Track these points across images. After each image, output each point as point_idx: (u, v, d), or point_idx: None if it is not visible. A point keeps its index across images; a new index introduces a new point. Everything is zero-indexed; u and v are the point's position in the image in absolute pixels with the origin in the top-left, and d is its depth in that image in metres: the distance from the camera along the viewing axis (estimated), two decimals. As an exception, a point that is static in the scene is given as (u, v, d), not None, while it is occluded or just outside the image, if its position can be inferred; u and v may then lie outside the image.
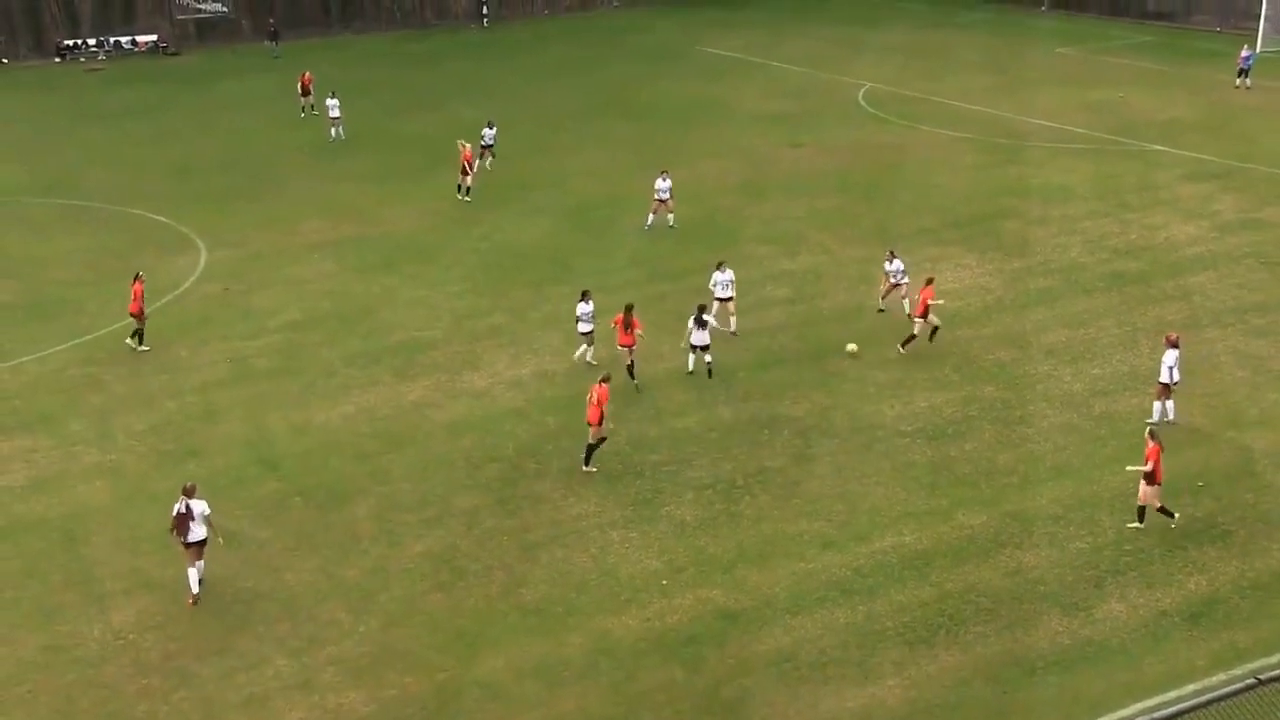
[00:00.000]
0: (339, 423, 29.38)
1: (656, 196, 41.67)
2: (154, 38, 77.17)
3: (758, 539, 24.36)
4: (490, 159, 49.39)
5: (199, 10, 78.68)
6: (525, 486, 26.39)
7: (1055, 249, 39.94)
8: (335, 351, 33.30)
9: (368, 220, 44.11)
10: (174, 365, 32.61)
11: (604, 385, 26.75)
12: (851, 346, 32.20)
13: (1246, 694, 13.93)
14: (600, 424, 26.68)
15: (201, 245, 41.50)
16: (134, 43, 76.76)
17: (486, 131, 49.63)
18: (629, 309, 30.65)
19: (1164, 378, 28.19)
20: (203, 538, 22.63)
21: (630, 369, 30.69)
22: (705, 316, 30.81)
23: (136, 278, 33.67)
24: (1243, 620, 21.73)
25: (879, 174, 48.56)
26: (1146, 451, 24.04)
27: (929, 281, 32.55)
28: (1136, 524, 24.35)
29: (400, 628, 21.91)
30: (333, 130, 55.08)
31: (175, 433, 29.00)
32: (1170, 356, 28.01)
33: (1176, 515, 24.38)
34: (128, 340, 33.62)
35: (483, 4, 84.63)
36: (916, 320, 32.40)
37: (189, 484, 23.03)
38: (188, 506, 22.50)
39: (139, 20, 77.44)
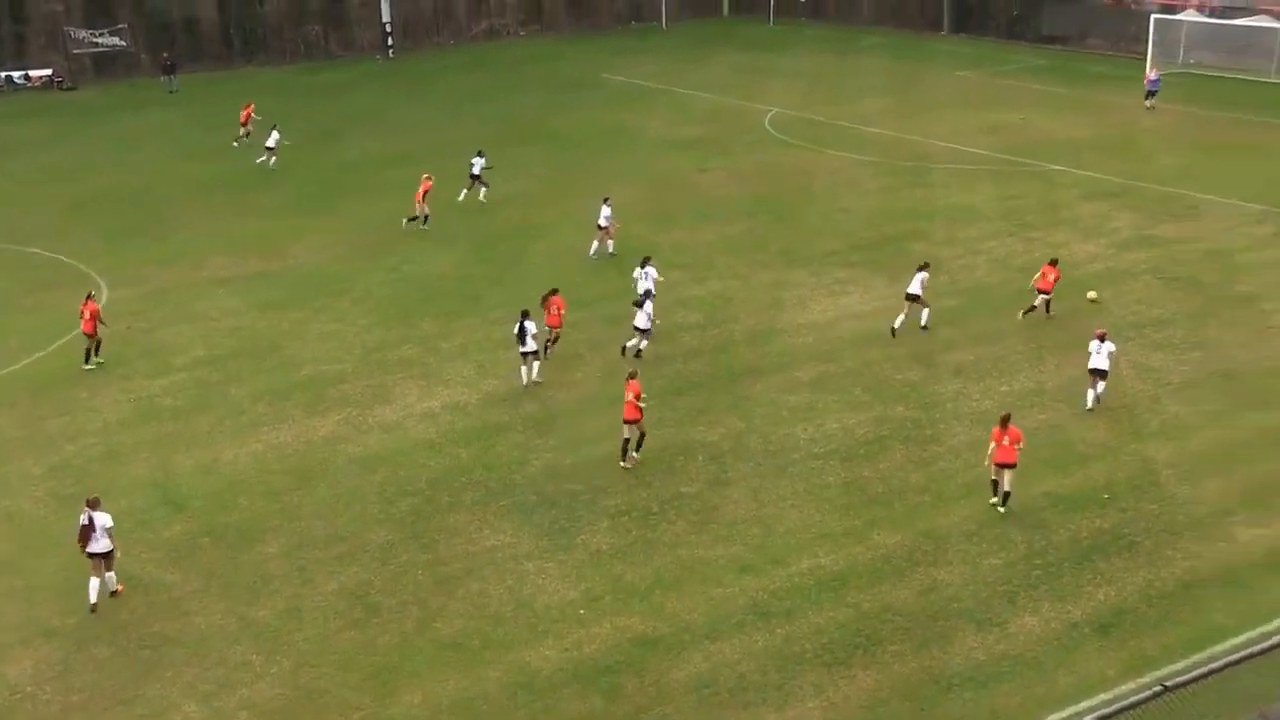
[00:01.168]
0: (248, 461, 28.99)
1: (599, 223, 41.86)
2: (48, 72, 75.86)
3: (674, 565, 24.36)
4: (483, 189, 48.74)
5: (95, 44, 77.49)
6: (439, 520, 26.19)
7: (962, 269, 40.50)
8: (243, 389, 32.88)
9: (275, 254, 43.67)
10: (74, 406, 32.00)
11: (633, 380, 27.79)
12: (1092, 294, 36.27)
13: (1154, 701, 14.17)
14: (640, 419, 27.67)
15: (102, 283, 40.82)
16: (27, 78, 75.36)
17: (476, 160, 49.06)
18: (553, 292, 33.18)
19: (1099, 365, 30.02)
20: (107, 549, 23.00)
21: (547, 347, 33.15)
22: (648, 301, 33.27)
23: (88, 297, 34.45)
24: (1150, 628, 22.09)
25: (787, 198, 48.98)
26: (1010, 434, 25.42)
27: (1054, 262, 35.88)
28: (999, 504, 25.79)
29: (314, 667, 21.61)
30: (269, 159, 55.07)
31: (75, 476, 28.41)
32: (1105, 347, 29.99)
33: (998, 501, 25.86)
34: (85, 366, 34.21)
35: (387, 35, 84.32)
36: (1040, 295, 35.54)
37: (92, 496, 23.44)
38: (90, 518, 22.82)
39: (32, 55, 76.13)
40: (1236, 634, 21.55)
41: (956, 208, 47.14)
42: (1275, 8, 72.94)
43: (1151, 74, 65.13)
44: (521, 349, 32.02)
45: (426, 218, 45.75)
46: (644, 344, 33.80)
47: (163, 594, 23.79)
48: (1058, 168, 52.32)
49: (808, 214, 46.88)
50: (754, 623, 22.51)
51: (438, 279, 40.88)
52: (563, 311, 33.51)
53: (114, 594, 23.50)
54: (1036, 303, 35.71)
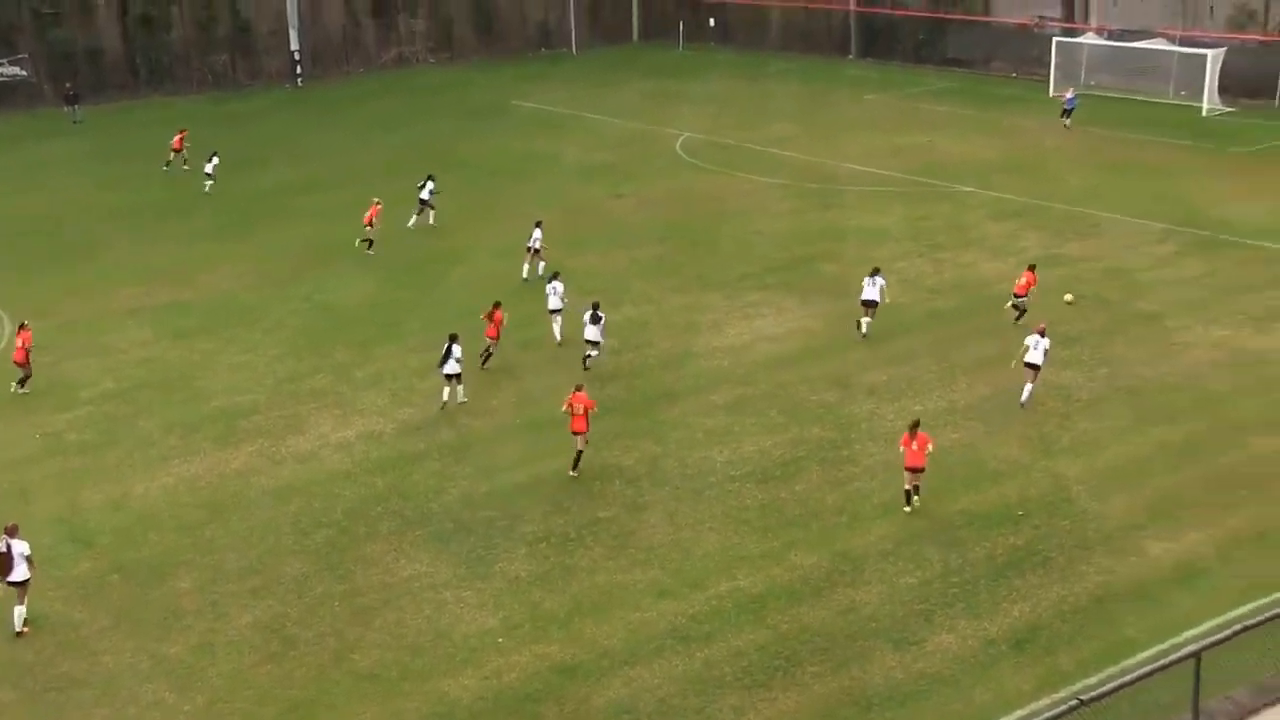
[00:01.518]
0: (158, 495, 28.50)
1: (529, 246, 42.05)
2: (-52, 104, 74.44)
3: (593, 591, 24.27)
4: (431, 213, 48.74)
5: (-4, 75, 76.15)
6: (355, 550, 25.91)
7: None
8: (153, 421, 32.34)
9: (185, 284, 43.05)
10: (-20, 442, 31.31)
11: (580, 391, 28.58)
12: (1069, 297, 37.11)
13: (1070, 715, 14.33)
14: (587, 430, 28.43)
15: (4, 316, 40.01)
16: (-74, 110, 73.89)
17: (425, 185, 49.02)
18: (496, 305, 34.39)
19: (1035, 359, 31.46)
20: (25, 577, 22.88)
21: (486, 357, 34.42)
22: (599, 313, 34.15)
23: (21, 326, 34.35)
24: (1064, 643, 22.35)
25: (699, 222, 49.19)
26: (919, 439, 26.35)
27: (1032, 267, 37.34)
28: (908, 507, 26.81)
29: (228, 703, 21.24)
30: (206, 184, 55.15)
31: (-17, 513, 27.77)
32: (1043, 342, 31.52)
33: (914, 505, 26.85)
34: (15, 388, 34.12)
35: (296, 63, 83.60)
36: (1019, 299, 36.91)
37: (10, 524, 23.22)
38: (8, 545, 22.65)
39: (-69, 87, 74.71)
40: (1147, 647, 21.87)
41: (867, 229, 47.62)
42: (1172, 31, 74.62)
43: (1068, 93, 66.42)
44: (445, 371, 32.10)
45: (370, 242, 45.72)
46: (594, 355, 34.57)
47: (70, 633, 23.28)
48: (966, 188, 53.04)
49: (720, 237, 47.11)
50: (673, 647, 22.47)
51: (352, 307, 40.54)
52: (502, 325, 34.54)
53: (19, 634, 22.98)
54: (1014, 304, 36.98)
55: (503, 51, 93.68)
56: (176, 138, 59.54)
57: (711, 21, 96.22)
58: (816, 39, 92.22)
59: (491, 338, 34.54)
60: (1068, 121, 64.45)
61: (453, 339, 32.10)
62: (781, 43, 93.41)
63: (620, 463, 29.37)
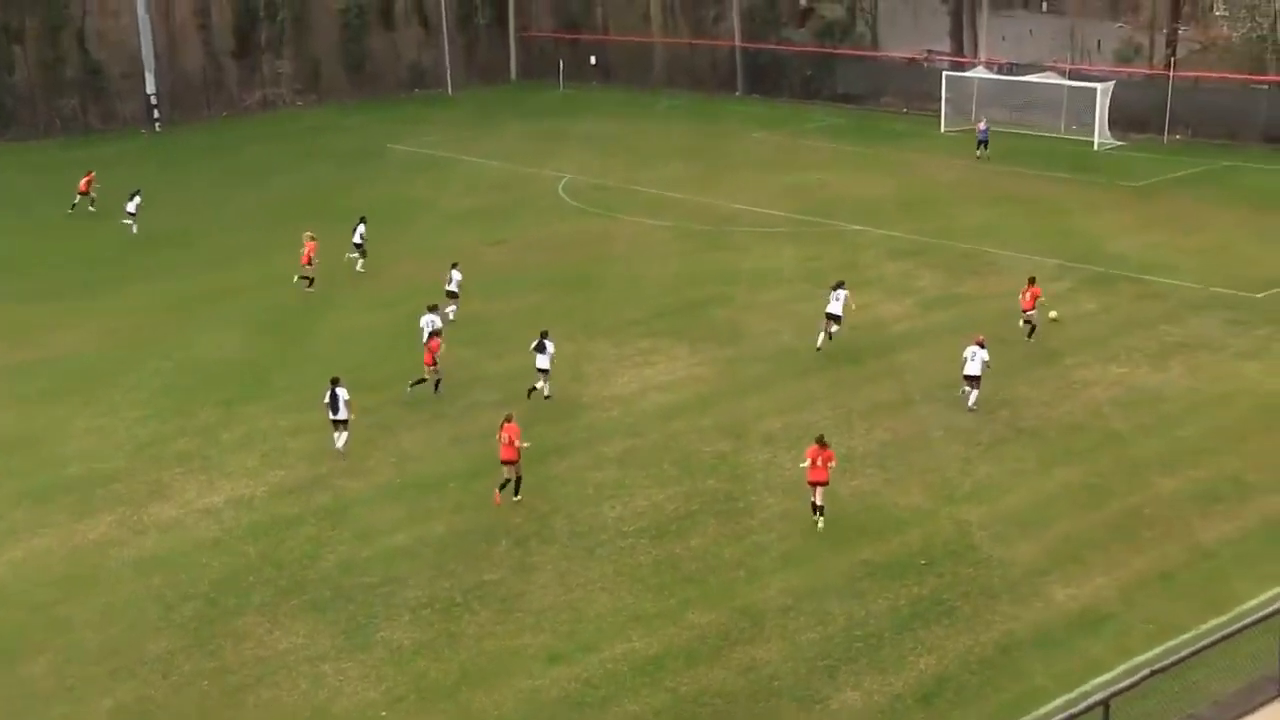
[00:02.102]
0: (6, 571, 27.65)
1: (448, 289, 42.51)
2: None
3: (481, 658, 24.00)
4: (360, 259, 48.76)
5: None
6: (225, 624, 25.35)
7: (766, 334, 41.18)
8: None
9: (33, 344, 42.02)
10: None
11: (511, 423, 29.63)
12: (1054, 314, 39.33)
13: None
14: (518, 460, 29.44)
15: None
16: None
17: (358, 228, 49.01)
18: (434, 334, 36.13)
19: (972, 371, 34.18)
20: None
21: (430, 382, 36.02)
22: (546, 341, 35.34)
23: None
24: (972, 696, 22.55)
25: (584, 267, 49.25)
26: (824, 454, 27.87)
27: (1032, 280, 39.60)
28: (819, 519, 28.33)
29: (89, 794, 20.60)
30: (131, 224, 55.17)
31: None
32: (981, 354, 34.24)
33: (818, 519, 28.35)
34: None
35: (153, 107, 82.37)
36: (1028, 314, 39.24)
37: None
38: None
39: None
40: (1056, 695, 22.16)
41: (759, 271, 48.02)
42: (1061, 65, 76.63)
43: (980, 124, 67.85)
44: (333, 417, 32.38)
45: (311, 280, 46.05)
46: (544, 384, 35.74)
47: (-86, 725, 22.48)
48: (858, 227, 53.76)
49: (606, 283, 47.20)
50: (567, 715, 22.27)
51: (218, 364, 39.88)
52: (437, 352, 35.89)
53: None
54: (1024, 320, 39.37)
55: (375, 93, 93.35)
56: (84, 180, 59.02)
57: (593, 59, 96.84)
58: (701, 75, 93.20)
59: (429, 365, 35.98)
60: (981, 152, 65.91)
61: (335, 383, 32.37)
62: (666, 79, 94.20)
63: (507, 521, 29.15)
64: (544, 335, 35.76)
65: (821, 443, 28.25)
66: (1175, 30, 78.66)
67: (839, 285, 39.32)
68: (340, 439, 32.70)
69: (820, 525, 28.28)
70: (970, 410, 34.31)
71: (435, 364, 36.08)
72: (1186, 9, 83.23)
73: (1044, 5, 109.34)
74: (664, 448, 32.95)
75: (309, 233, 47.26)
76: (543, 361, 35.64)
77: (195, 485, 31.54)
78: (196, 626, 25.30)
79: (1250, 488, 29.98)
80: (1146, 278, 45.74)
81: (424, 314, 38.05)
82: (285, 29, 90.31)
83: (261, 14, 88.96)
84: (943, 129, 74.62)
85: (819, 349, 38.77)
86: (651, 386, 37.17)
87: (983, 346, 34.51)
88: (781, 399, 35.91)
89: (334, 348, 40.48)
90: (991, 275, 46.67)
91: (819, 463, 28.07)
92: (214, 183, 66.15)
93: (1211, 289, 44.41)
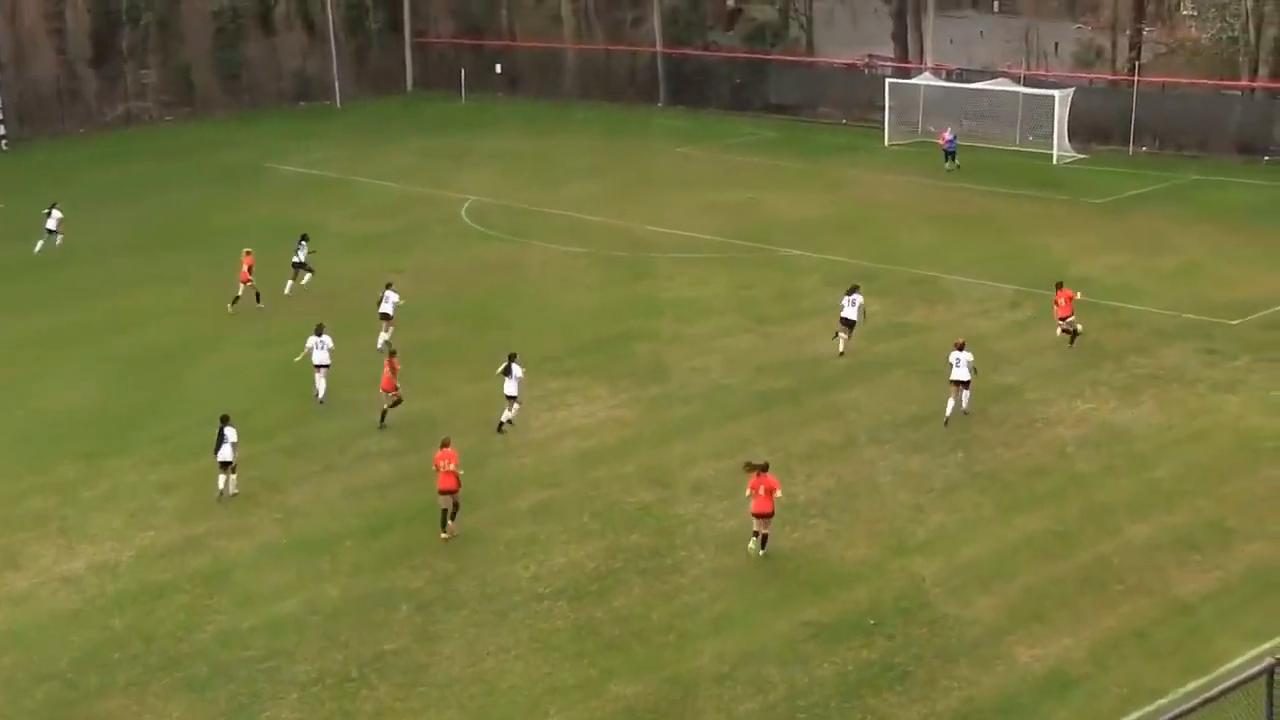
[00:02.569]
0: None
1: (381, 311, 43.32)
2: None
3: (380, 740, 23.84)
4: (307, 276, 49.60)
5: None
6: (86, 708, 24.99)
7: (694, 371, 41.37)
8: None
9: None
10: None
11: (448, 448, 30.70)
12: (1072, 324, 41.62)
13: None
14: (458, 489, 30.54)
15: None
16: None
17: (299, 246, 49.84)
18: (392, 353, 37.57)
19: (960, 376, 36.27)
20: None
21: (392, 406, 37.23)
22: (514, 365, 36.23)
23: None
24: (931, 771, 22.67)
25: (490, 298, 49.25)
26: (765, 482, 28.82)
27: (1060, 285, 42.14)
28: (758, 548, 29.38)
29: None
30: (54, 240, 56.11)
31: None
32: (964, 357, 36.26)
33: (756, 547, 29.40)
34: None
35: None
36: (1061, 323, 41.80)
37: None
38: None
39: None
40: (1022, 767, 22.32)
41: (685, 301, 48.26)
42: (1015, 70, 77.82)
43: (946, 133, 68.72)
44: (220, 458, 32.63)
45: (258, 295, 47.57)
46: (511, 415, 36.69)
47: None
48: (795, 251, 54.21)
49: (516, 316, 47.22)
50: (478, 802, 22.14)
51: (78, 412, 39.44)
52: (396, 372, 37.14)
53: None
54: (1064, 329, 41.76)
55: (254, 105, 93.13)
56: None
57: (498, 68, 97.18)
58: (618, 86, 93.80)
59: (386, 389, 37.23)
60: (950, 165, 66.83)
61: (225, 421, 32.73)
62: (580, 90, 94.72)
63: (407, 585, 29.00)
64: (511, 358, 36.58)
65: (763, 470, 29.04)
66: (1139, 31, 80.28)
67: (854, 289, 41.78)
68: (228, 481, 33.00)
69: (758, 551, 29.26)
70: (964, 413, 36.59)
71: (395, 387, 37.23)
72: (1151, 8, 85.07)
73: (996, 5, 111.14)
74: (583, 499, 32.95)
75: (247, 249, 48.23)
76: (510, 387, 36.47)
77: (52, 550, 31.10)
78: (53, 710, 24.92)
79: (1231, 534, 30.40)
80: (1112, 304, 46.47)
81: (310, 336, 39.08)
82: (150, 34, 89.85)
83: (123, 17, 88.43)
84: (886, 142, 75.62)
85: (842, 354, 41.55)
86: (568, 431, 37.19)
87: (963, 349, 36.59)
88: (712, 443, 36.05)
89: (212, 391, 40.14)
90: (941, 303, 47.20)
91: (762, 492, 28.89)
92: (72, 207, 65.24)
93: (1184, 316, 45.21)
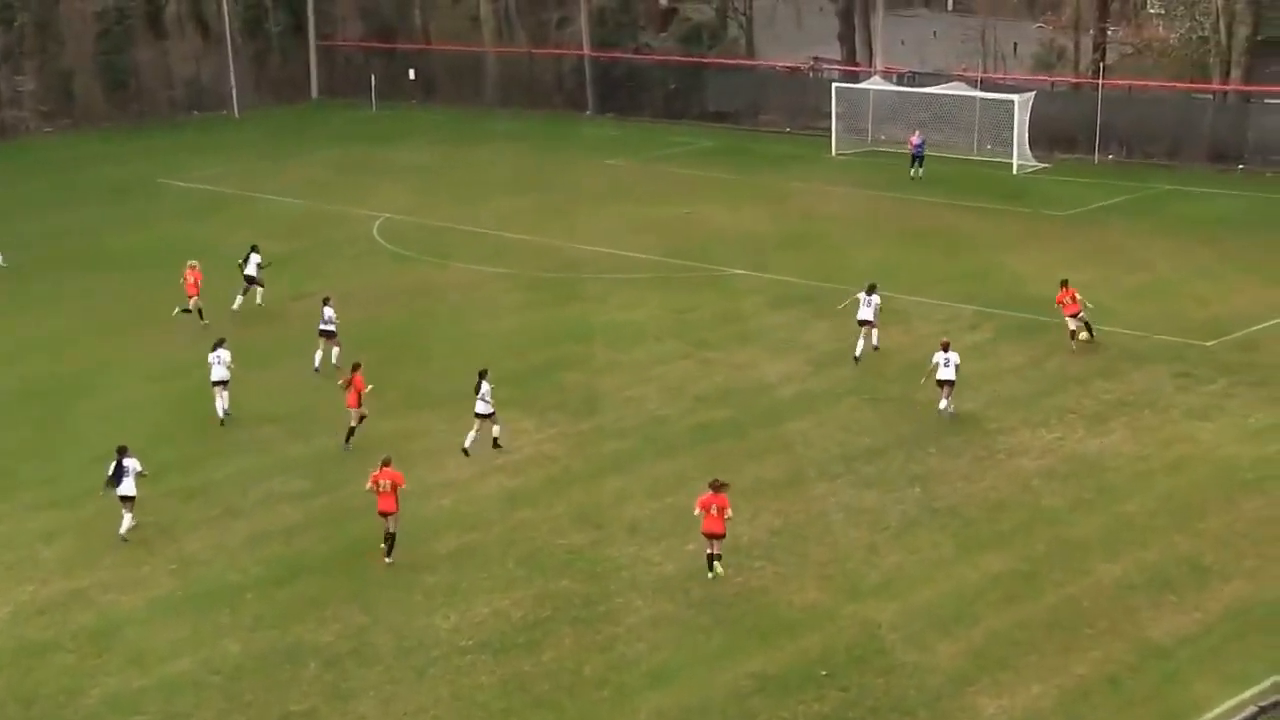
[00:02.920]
0: None
1: (321, 328, 43.96)
2: None
3: (287, 811, 23.65)
4: (259, 291, 50.29)
5: None
6: (-39, 780, 24.68)
7: (629, 402, 41.36)
8: None
9: None
10: None
11: (389, 466, 31.57)
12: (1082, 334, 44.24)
13: None
14: (397, 510, 31.40)
15: None
16: None
17: (250, 258, 50.19)
18: (355, 368, 38.05)
19: (946, 376, 38.55)
20: None
21: (352, 430, 38.08)
22: (484, 382, 37.10)
23: None
24: (890, 834, 22.69)
25: (405, 325, 49.10)
26: (718, 501, 29.85)
27: (1065, 283, 44.46)
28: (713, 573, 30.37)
29: None
30: None
31: None
32: (951, 358, 38.60)
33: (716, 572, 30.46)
34: None
35: None
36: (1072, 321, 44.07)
37: None
38: None
39: None
40: (988, 828, 22.38)
41: (618, 326, 48.28)
42: (971, 74, 78.43)
43: (915, 137, 69.12)
44: (119, 493, 32.64)
45: (200, 311, 48.08)
46: (497, 432, 37.92)
47: None
48: (737, 271, 54.35)
49: (433, 344, 47.08)
50: None
51: (-53, 455, 39.04)
52: (362, 391, 37.92)
53: None
54: (1073, 327, 44.07)
55: (143, 116, 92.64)
56: None
57: (412, 73, 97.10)
58: (543, 93, 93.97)
59: (351, 406, 38.01)
60: (915, 171, 67.36)
61: (122, 452, 32.79)
62: (501, 97, 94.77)
63: (316, 639, 28.80)
64: (481, 375, 37.47)
65: (716, 488, 30.03)
66: (1104, 31, 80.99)
67: (872, 289, 44.02)
68: (128, 520, 33.02)
69: (718, 572, 30.38)
70: (950, 417, 38.75)
71: (360, 403, 38.05)
72: (1116, 6, 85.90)
73: (950, 3, 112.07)
74: (508, 542, 32.84)
75: (192, 261, 48.70)
76: (482, 407, 37.43)
77: (-79, 607, 30.74)
78: (-75, 785, 24.61)
79: (1208, 572, 30.62)
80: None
81: (211, 350, 39.99)
82: (26, 36, 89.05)
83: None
84: (834, 151, 76.09)
85: (857, 358, 43.56)
86: (491, 468, 37.09)
87: (948, 349, 38.87)
88: (648, 480, 36.03)
89: (99, 428, 39.76)
90: (895, 325, 47.37)
91: (713, 511, 29.95)
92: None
93: (1155, 337, 45.61)
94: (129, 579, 31.59)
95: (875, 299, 43.72)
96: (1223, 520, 33.00)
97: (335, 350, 43.99)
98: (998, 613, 29.19)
